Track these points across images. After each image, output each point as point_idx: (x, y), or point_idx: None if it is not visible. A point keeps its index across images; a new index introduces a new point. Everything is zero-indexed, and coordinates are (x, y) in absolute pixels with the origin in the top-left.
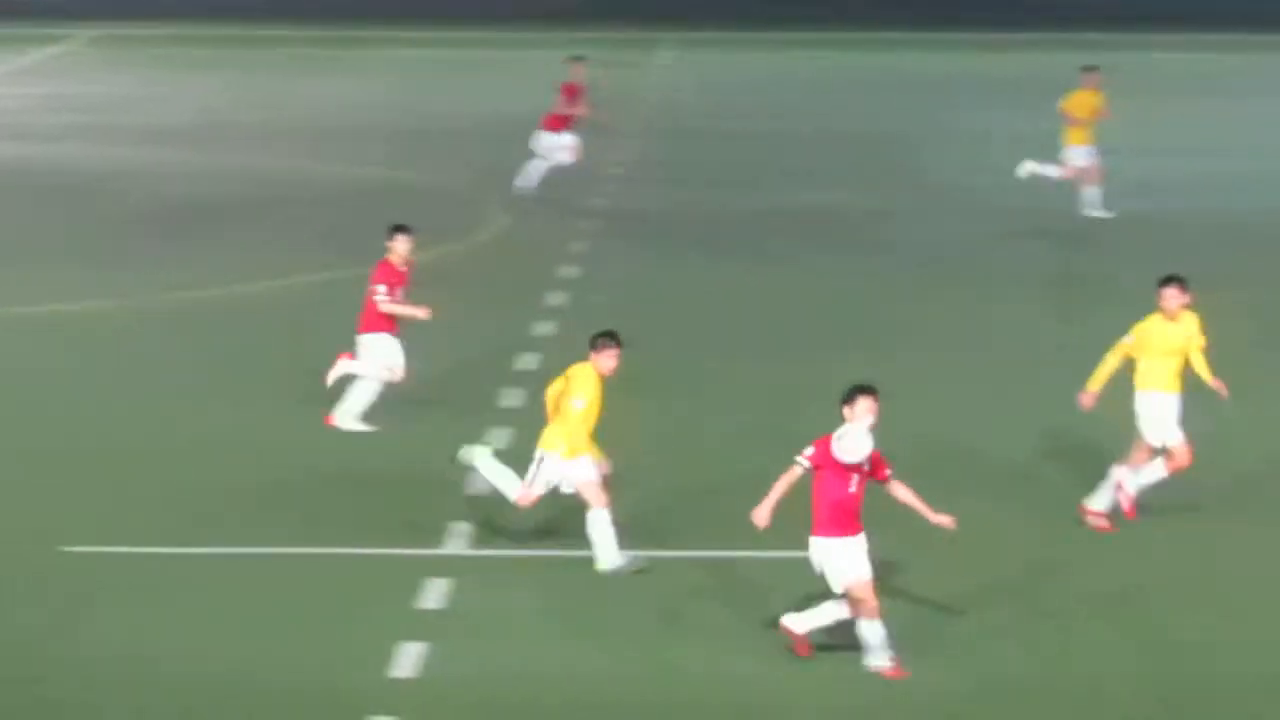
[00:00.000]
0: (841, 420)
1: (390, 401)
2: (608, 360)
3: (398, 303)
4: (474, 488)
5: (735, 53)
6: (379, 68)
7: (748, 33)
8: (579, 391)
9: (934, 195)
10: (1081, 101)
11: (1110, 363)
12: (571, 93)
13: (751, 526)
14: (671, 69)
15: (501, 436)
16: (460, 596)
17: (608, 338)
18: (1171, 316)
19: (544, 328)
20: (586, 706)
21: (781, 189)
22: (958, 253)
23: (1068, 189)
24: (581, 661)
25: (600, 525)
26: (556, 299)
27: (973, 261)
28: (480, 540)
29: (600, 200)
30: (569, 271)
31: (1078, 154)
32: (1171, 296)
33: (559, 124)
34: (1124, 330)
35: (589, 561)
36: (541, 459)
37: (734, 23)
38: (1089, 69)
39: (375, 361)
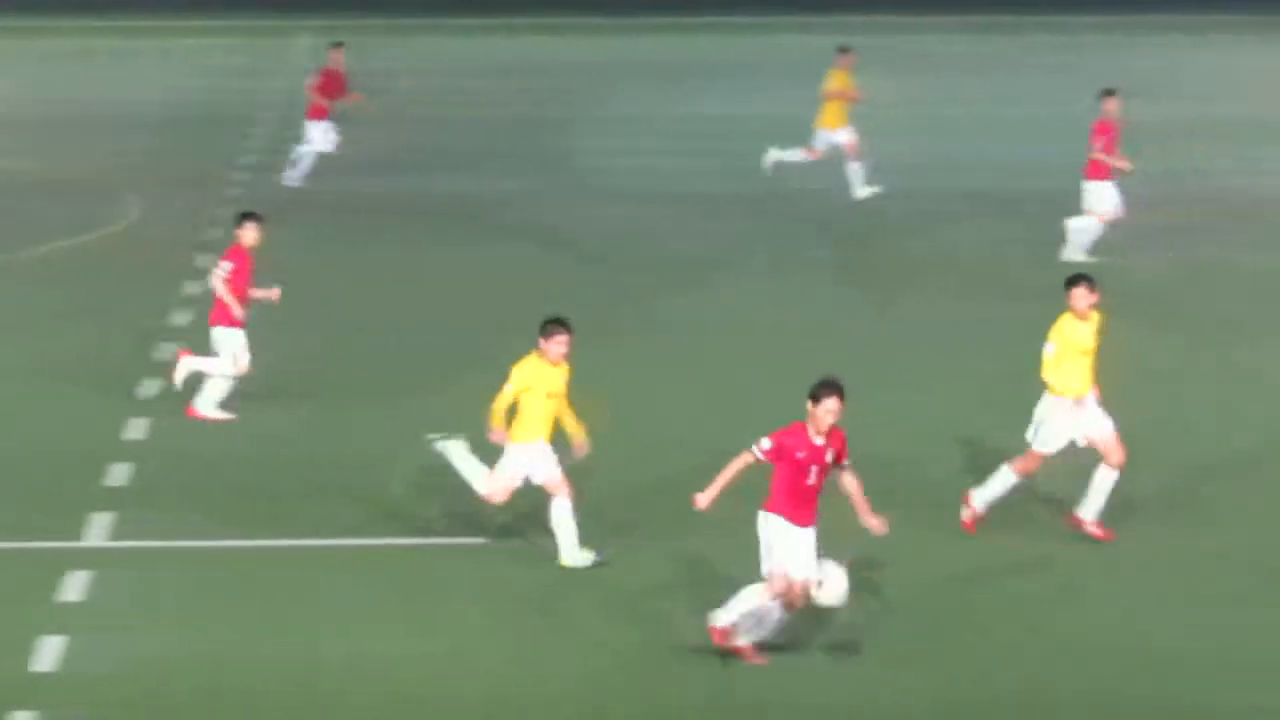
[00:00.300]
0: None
1: (28, 391)
2: (556, 347)
3: (230, 286)
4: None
5: (383, 38)
6: (6, 57)
7: (391, 19)
8: (514, 380)
9: (591, 178)
10: (840, 81)
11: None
12: (331, 79)
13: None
14: (313, 58)
15: (139, 426)
16: (100, 588)
17: (557, 324)
18: (1083, 316)
19: (182, 317)
20: (226, 694)
21: (433, 174)
22: (627, 239)
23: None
24: (222, 649)
25: (562, 514)
26: (194, 288)
27: (648, 247)
28: (121, 532)
29: (235, 189)
30: (206, 261)
31: (829, 136)
32: (1081, 296)
33: (322, 112)
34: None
35: (230, 551)
36: (539, 452)
37: (377, 10)
38: (844, 50)
39: (225, 355)
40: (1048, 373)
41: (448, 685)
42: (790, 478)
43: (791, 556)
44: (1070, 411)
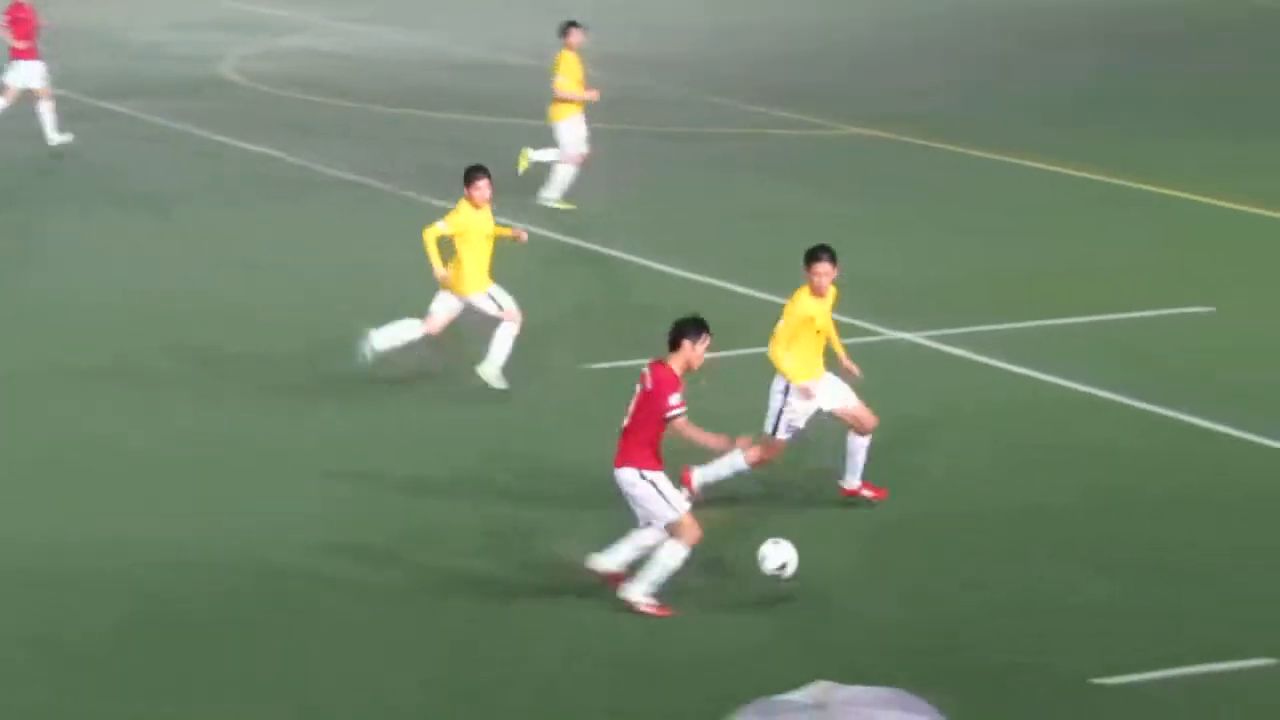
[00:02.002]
0: None
1: None
2: (480, 191)
3: None
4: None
5: None
6: None
7: None
8: (449, 221)
9: None
10: None
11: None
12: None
13: None
14: None
15: None
16: None
17: (477, 170)
18: (821, 293)
19: None
20: None
21: None
22: None
23: None
24: None
25: (506, 337)
26: None
27: None
28: None
29: None
30: None
31: None
32: (825, 273)
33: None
34: None
35: None
36: (489, 295)
37: None
38: None
39: None
40: (778, 356)
41: None
42: (661, 425)
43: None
44: (808, 396)
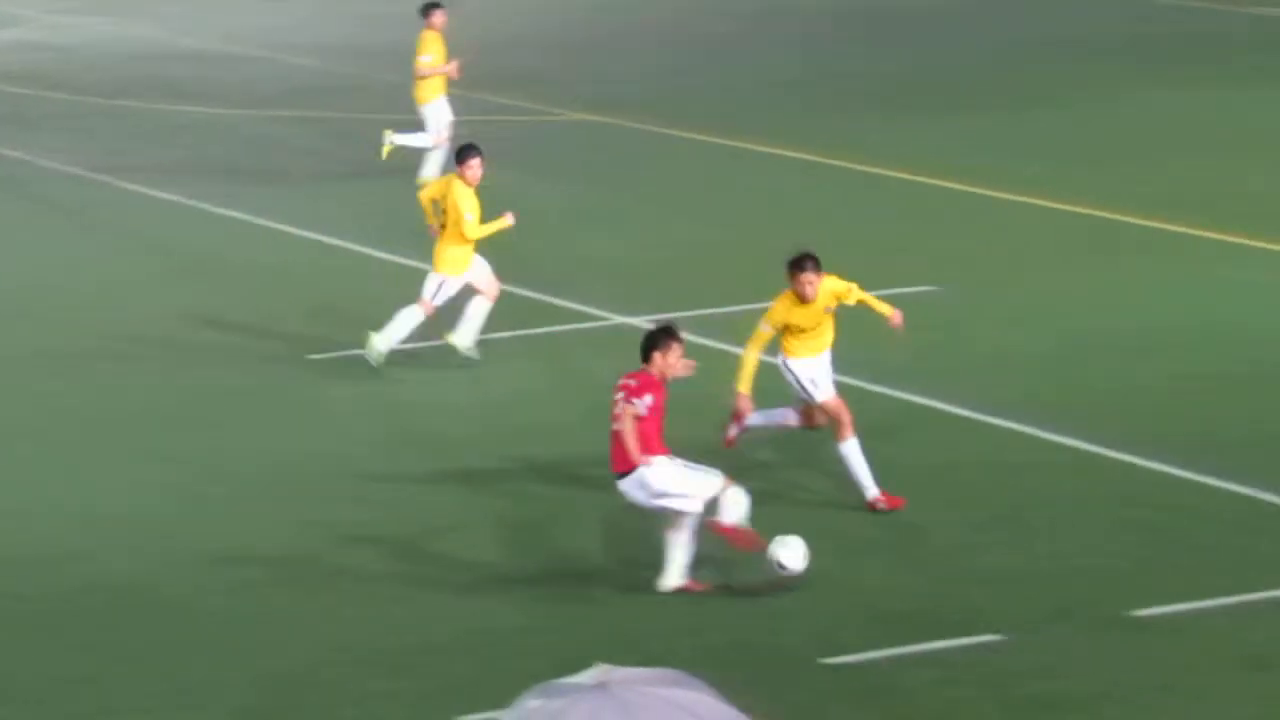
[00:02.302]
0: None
1: None
2: (472, 170)
3: None
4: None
5: None
6: None
7: None
8: (467, 208)
9: None
10: None
11: (752, 358)
12: None
13: None
14: None
15: None
16: None
17: (469, 149)
18: (808, 300)
19: None
20: None
21: None
22: None
23: None
24: None
25: (411, 318)
26: None
27: None
28: None
29: None
30: None
31: None
32: (810, 281)
33: None
34: None
35: None
36: (442, 282)
37: None
38: None
39: None
40: (745, 353)
41: None
42: (658, 422)
43: (691, 474)
44: (818, 365)
